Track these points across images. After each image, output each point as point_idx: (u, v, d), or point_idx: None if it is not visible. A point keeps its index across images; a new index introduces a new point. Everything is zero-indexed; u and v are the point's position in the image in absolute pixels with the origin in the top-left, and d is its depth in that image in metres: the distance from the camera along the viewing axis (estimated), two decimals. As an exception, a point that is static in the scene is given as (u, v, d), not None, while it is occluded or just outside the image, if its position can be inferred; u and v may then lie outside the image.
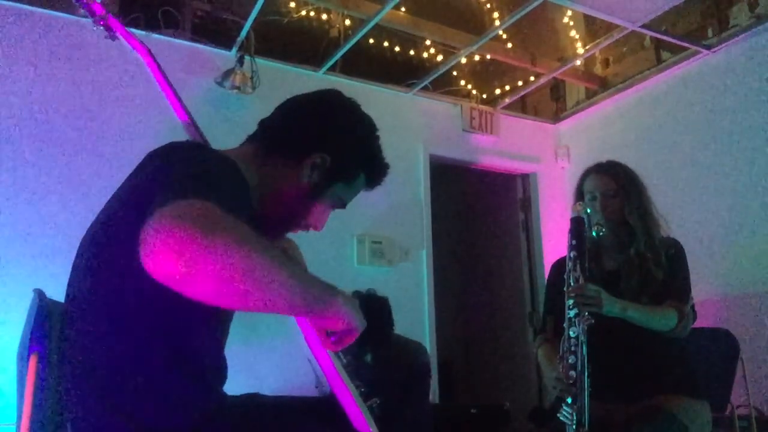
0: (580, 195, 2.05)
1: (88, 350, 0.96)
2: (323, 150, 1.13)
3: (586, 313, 1.71)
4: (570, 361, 1.71)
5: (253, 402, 1.21)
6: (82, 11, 1.21)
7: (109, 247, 0.97)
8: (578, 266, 1.77)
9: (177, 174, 0.88)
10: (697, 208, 3.54)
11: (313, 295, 0.89)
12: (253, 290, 0.77)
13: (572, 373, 1.70)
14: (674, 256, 1.94)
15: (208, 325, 1.03)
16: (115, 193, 1.05)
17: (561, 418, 1.70)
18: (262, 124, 1.21)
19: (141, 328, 0.94)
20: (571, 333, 1.72)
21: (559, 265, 2.03)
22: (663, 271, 1.89)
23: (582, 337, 1.70)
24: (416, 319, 3.79)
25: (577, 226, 1.81)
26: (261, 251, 0.78)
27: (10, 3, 3.00)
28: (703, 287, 3.35)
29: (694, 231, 3.45)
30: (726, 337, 2.42)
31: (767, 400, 2.77)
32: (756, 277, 3.23)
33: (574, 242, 1.80)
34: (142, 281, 0.79)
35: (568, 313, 1.74)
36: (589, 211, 1.83)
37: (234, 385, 1.11)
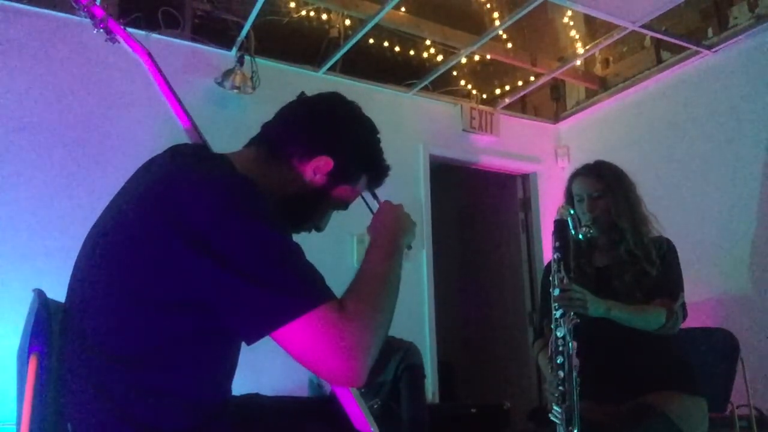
0: (569, 197, 2.06)
1: (89, 350, 0.96)
2: (326, 153, 1.13)
3: (572, 313, 1.72)
4: (558, 361, 1.72)
5: (253, 402, 1.21)
6: (82, 13, 1.20)
7: (124, 259, 0.95)
8: (562, 267, 1.78)
9: (271, 277, 0.88)
10: (697, 208, 3.55)
11: (396, 257, 1.08)
12: (395, 302, 1.02)
13: (560, 372, 1.71)
14: (666, 253, 1.95)
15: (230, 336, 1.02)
16: (124, 199, 1.04)
17: (551, 418, 1.71)
18: (265, 127, 1.21)
19: (153, 333, 0.94)
20: (558, 333, 1.73)
21: (549, 268, 2.04)
22: (656, 268, 1.90)
23: (569, 337, 1.71)
24: (416, 319, 3.79)
25: (561, 228, 1.82)
26: (373, 292, 0.98)
27: (10, 3, 3.00)
28: (703, 287, 3.36)
29: (693, 230, 3.45)
30: (726, 337, 2.42)
31: (767, 399, 2.77)
32: (755, 277, 3.23)
33: (557, 244, 1.82)
34: (156, 302, 0.92)
35: (555, 314, 1.75)
36: (573, 212, 1.84)
37: (234, 385, 1.11)
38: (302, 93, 1.24)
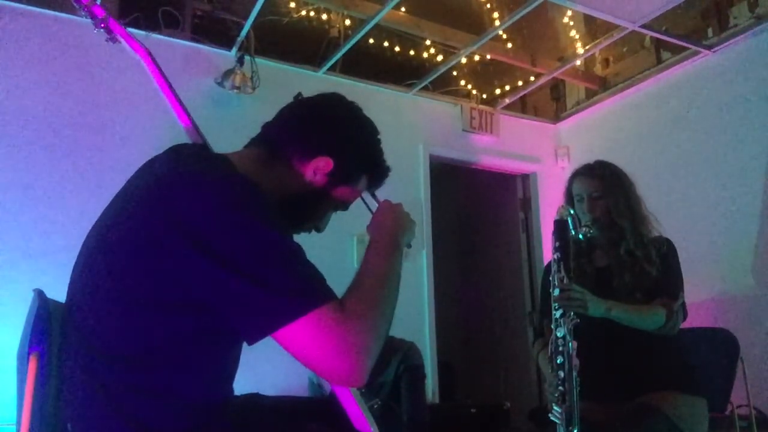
0: (569, 197, 2.07)
1: (89, 350, 0.96)
2: (326, 153, 1.13)
3: (572, 313, 1.72)
4: (558, 361, 1.72)
5: (253, 402, 1.21)
6: (82, 13, 1.20)
7: (125, 259, 0.95)
8: (562, 267, 1.78)
9: (271, 278, 0.88)
10: (697, 208, 3.55)
11: (396, 256, 1.09)
12: (395, 302, 1.02)
13: (560, 372, 1.71)
14: (666, 253, 1.95)
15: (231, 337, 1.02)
16: (124, 199, 1.04)
17: (551, 418, 1.71)
18: (265, 127, 1.21)
19: (153, 333, 0.94)
20: (558, 333, 1.73)
21: (549, 268, 2.05)
22: (656, 268, 1.90)
23: (569, 337, 1.71)
24: (416, 319, 3.79)
25: (561, 228, 1.82)
26: (373, 292, 0.98)
27: (10, 3, 3.00)
28: (703, 287, 3.36)
29: (693, 230, 3.46)
30: (726, 337, 2.42)
31: (767, 399, 2.77)
32: (756, 277, 3.23)
33: (557, 244, 1.82)
34: (161, 305, 0.92)
35: (555, 314, 1.75)
36: (572, 212, 1.84)
37: (234, 385, 1.11)
38: (299, 93, 1.24)
